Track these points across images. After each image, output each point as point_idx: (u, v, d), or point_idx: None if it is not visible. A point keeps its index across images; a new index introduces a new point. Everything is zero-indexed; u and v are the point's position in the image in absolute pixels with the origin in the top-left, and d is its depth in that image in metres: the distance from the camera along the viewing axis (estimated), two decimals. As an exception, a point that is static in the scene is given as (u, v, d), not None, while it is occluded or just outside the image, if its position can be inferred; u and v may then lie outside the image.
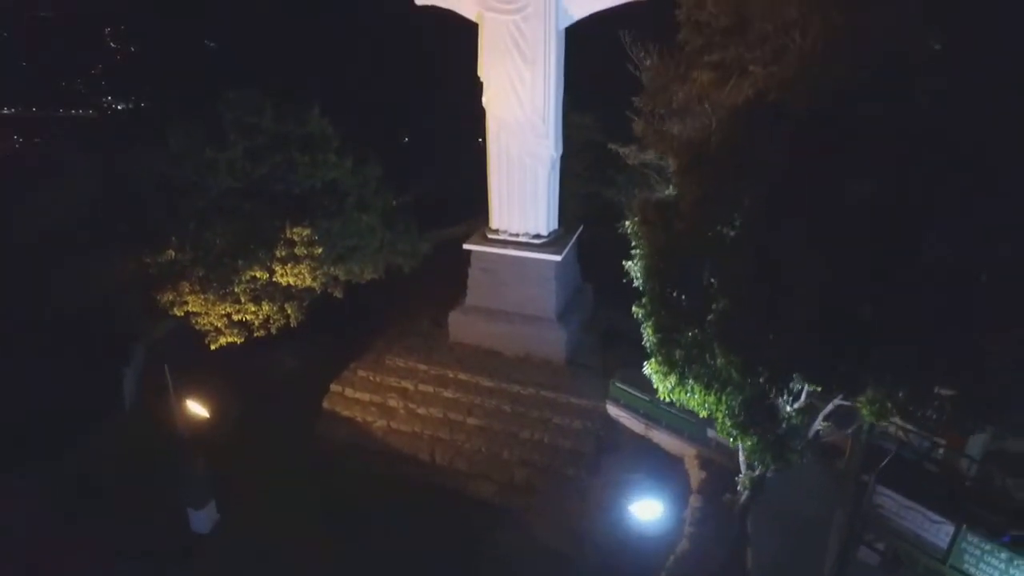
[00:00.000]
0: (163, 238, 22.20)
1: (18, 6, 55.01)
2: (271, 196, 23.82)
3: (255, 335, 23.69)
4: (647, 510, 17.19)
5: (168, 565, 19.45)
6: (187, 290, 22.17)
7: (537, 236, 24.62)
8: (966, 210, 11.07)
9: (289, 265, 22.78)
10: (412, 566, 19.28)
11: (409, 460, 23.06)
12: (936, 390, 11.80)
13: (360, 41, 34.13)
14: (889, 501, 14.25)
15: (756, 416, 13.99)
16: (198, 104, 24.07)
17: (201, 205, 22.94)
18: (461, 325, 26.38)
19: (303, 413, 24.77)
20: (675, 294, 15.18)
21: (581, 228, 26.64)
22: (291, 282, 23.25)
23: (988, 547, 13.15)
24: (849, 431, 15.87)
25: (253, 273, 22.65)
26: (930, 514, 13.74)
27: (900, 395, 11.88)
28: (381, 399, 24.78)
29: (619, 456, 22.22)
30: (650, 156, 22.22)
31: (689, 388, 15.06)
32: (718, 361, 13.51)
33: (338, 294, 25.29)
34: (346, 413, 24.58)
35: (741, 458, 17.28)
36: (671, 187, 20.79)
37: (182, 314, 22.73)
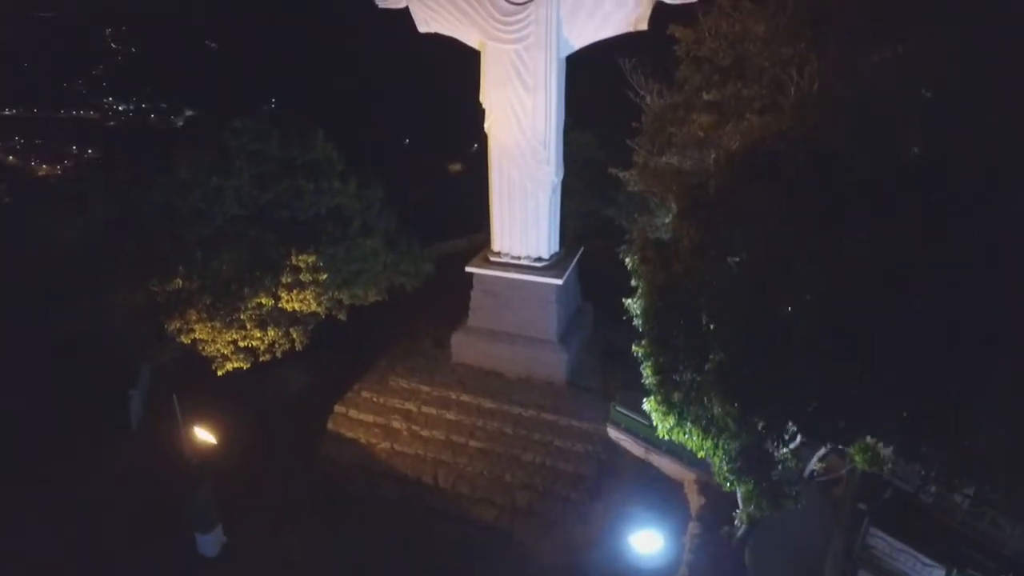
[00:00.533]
0: (170, 266, 22.45)
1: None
2: (276, 223, 24.09)
3: (260, 360, 23.99)
4: (647, 542, 17.55)
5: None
6: (194, 318, 22.44)
7: (539, 259, 24.86)
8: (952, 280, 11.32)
9: (295, 291, 23.05)
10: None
11: (413, 483, 23.42)
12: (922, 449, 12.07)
13: (363, 61, 34.33)
14: (882, 543, 14.58)
15: (752, 462, 14.27)
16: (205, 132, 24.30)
17: (207, 233, 23.20)
18: (463, 346, 26.71)
19: (308, 434, 25.10)
20: (674, 335, 15.43)
21: (582, 250, 26.84)
22: (296, 308, 23.50)
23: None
24: (844, 471, 16.16)
25: (259, 300, 22.90)
26: (922, 557, 14.09)
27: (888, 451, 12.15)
28: (385, 420, 25.11)
29: (620, 480, 22.57)
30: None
31: (687, 430, 15.34)
32: (715, 410, 13.78)
33: (342, 316, 25.61)
34: (350, 435, 24.93)
35: (739, 495, 17.57)
36: (670, 215, 21.04)
37: (189, 341, 23.02)
